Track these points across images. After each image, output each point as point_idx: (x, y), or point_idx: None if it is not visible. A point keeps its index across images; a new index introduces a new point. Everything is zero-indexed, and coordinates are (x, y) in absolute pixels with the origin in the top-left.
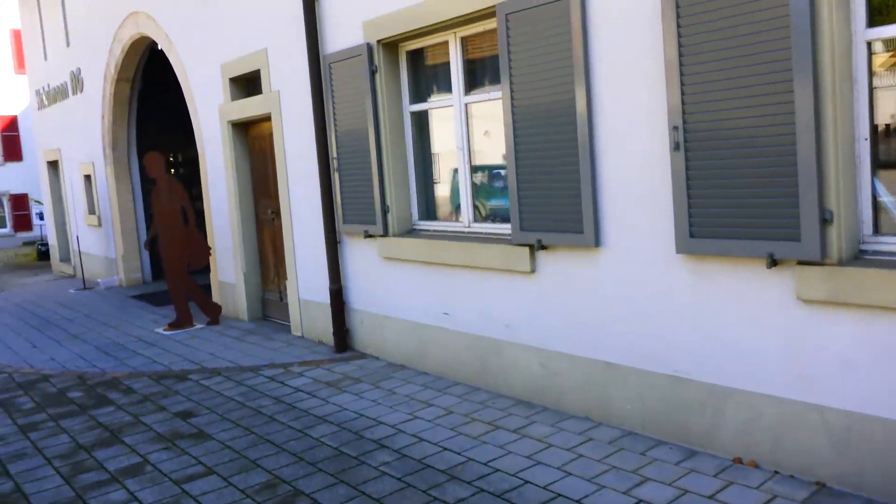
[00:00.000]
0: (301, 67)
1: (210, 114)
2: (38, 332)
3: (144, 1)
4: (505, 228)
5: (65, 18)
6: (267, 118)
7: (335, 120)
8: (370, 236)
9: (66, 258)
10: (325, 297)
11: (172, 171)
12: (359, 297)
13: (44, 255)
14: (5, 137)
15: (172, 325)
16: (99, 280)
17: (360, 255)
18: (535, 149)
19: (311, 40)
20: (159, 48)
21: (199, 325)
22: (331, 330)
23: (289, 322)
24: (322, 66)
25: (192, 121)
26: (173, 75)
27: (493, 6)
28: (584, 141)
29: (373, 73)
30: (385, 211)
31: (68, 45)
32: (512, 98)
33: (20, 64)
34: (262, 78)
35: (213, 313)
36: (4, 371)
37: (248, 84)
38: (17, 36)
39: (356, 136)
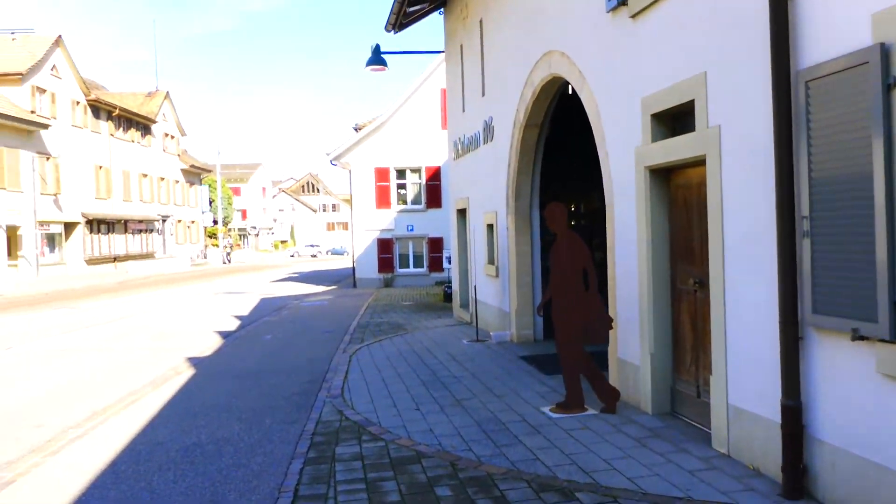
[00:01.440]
0: (755, 92)
1: (623, 158)
2: (426, 389)
3: (560, 40)
4: None
5: (482, 69)
6: (698, 162)
7: (810, 161)
8: (863, 338)
9: (465, 304)
10: (772, 412)
11: (573, 223)
12: (832, 425)
13: (448, 297)
14: (430, 186)
15: (561, 407)
16: (491, 333)
17: (841, 363)
18: None
19: (778, 51)
20: (570, 91)
21: (591, 411)
22: (777, 460)
23: (708, 428)
24: (792, 87)
25: (602, 167)
26: (580, 120)
27: None
28: None
29: (888, 88)
30: None
31: (483, 94)
32: None
33: (445, 121)
34: (697, 111)
35: (610, 399)
36: (383, 437)
37: (673, 121)
38: (444, 95)
39: (848, 185)
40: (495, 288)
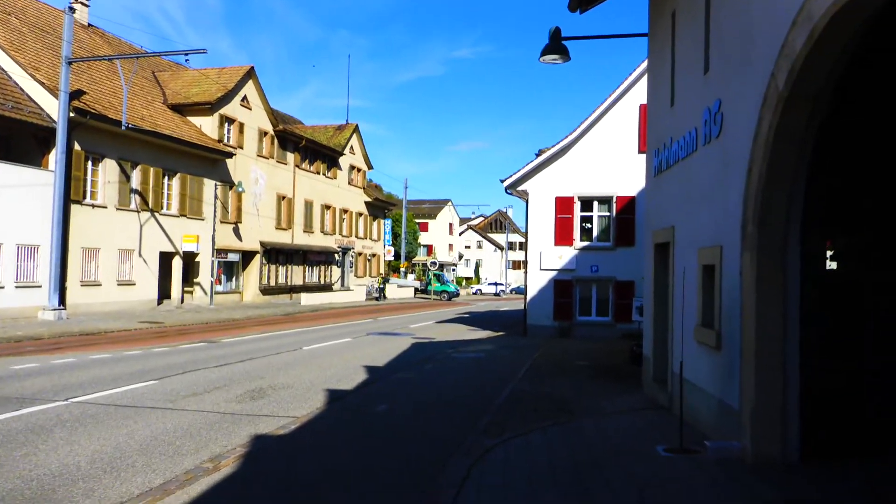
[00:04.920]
0: None
1: None
2: None
3: None
4: None
5: (707, 32)
6: None
7: None
8: None
9: (661, 378)
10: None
11: None
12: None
13: (636, 358)
14: (620, 220)
15: None
16: (707, 443)
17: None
18: None
19: None
20: None
21: None
22: None
23: None
24: None
25: None
26: None
27: None
28: None
29: None
30: None
31: (707, 69)
32: None
33: (643, 142)
34: None
35: None
36: None
37: None
38: (644, 112)
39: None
40: (714, 366)
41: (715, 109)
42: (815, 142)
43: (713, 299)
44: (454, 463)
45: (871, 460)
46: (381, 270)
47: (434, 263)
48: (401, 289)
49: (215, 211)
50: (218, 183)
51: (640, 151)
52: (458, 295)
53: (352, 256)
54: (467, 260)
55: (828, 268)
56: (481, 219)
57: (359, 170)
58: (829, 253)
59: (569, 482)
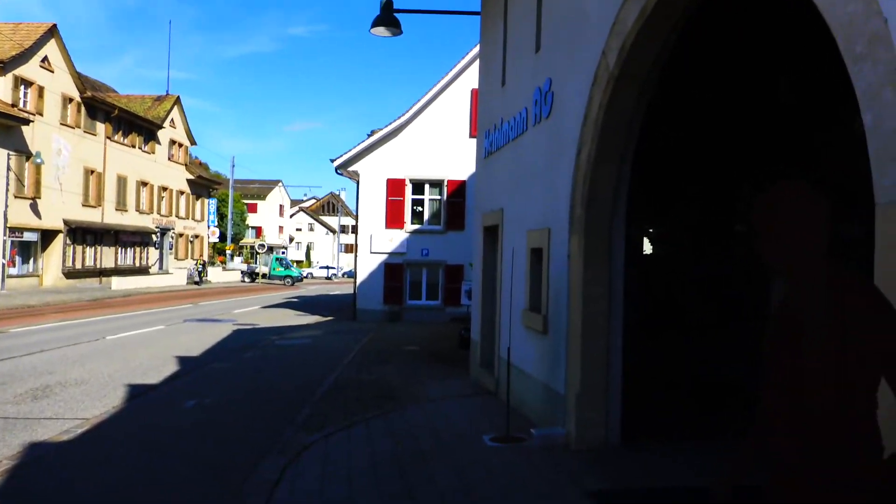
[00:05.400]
0: None
1: None
2: None
3: None
4: None
5: (539, 8)
6: None
7: None
8: None
9: (489, 364)
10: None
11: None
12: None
13: (465, 342)
14: (451, 204)
15: None
16: (533, 430)
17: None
18: None
19: None
20: None
21: None
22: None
23: None
24: None
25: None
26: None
27: None
28: None
29: None
30: None
31: (538, 48)
32: None
33: (475, 127)
34: None
35: None
36: None
37: None
38: (475, 97)
39: None
40: (541, 351)
41: (545, 89)
42: (647, 122)
43: (541, 283)
44: (267, 465)
45: (691, 439)
46: (205, 253)
47: (262, 246)
48: (226, 272)
49: (8, 184)
50: (11, 153)
51: (472, 136)
52: (302, 280)
53: (172, 237)
54: (298, 243)
55: (648, 251)
56: (313, 201)
57: (180, 145)
58: (649, 236)
59: (392, 479)
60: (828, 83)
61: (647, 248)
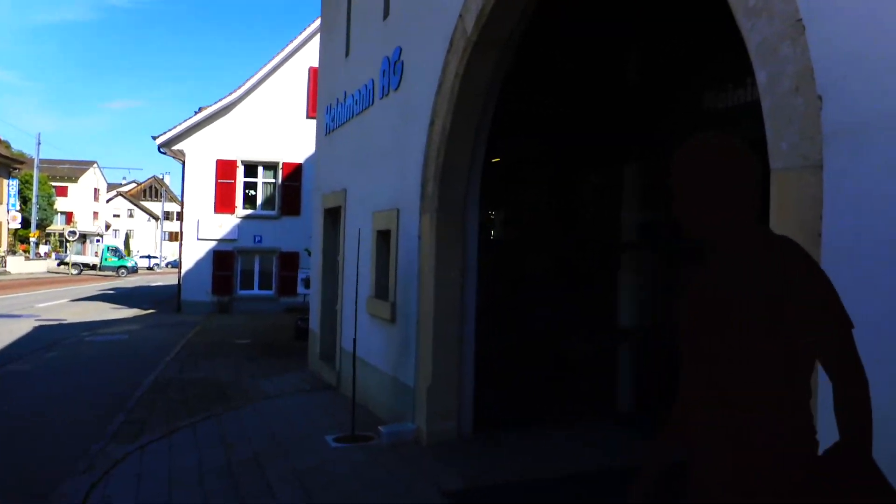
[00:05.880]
0: None
1: None
2: None
3: None
4: None
5: None
6: None
7: None
8: None
9: (329, 356)
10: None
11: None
12: None
13: (302, 333)
14: (286, 188)
15: None
16: (381, 428)
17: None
18: None
19: None
20: None
21: None
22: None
23: None
24: None
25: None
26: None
27: None
28: None
29: None
30: None
31: (386, 14)
32: None
33: (313, 107)
34: None
35: None
36: None
37: None
38: (315, 75)
39: None
40: (388, 341)
41: (395, 58)
42: (504, 94)
43: (388, 268)
44: (68, 487)
45: (544, 423)
46: (4, 240)
47: (73, 233)
48: (31, 262)
49: None
50: None
51: (310, 117)
52: (137, 270)
53: None
54: (116, 230)
55: (494, 236)
56: (134, 185)
57: None
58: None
59: (221, 494)
60: (681, 62)
61: (500, 232)
